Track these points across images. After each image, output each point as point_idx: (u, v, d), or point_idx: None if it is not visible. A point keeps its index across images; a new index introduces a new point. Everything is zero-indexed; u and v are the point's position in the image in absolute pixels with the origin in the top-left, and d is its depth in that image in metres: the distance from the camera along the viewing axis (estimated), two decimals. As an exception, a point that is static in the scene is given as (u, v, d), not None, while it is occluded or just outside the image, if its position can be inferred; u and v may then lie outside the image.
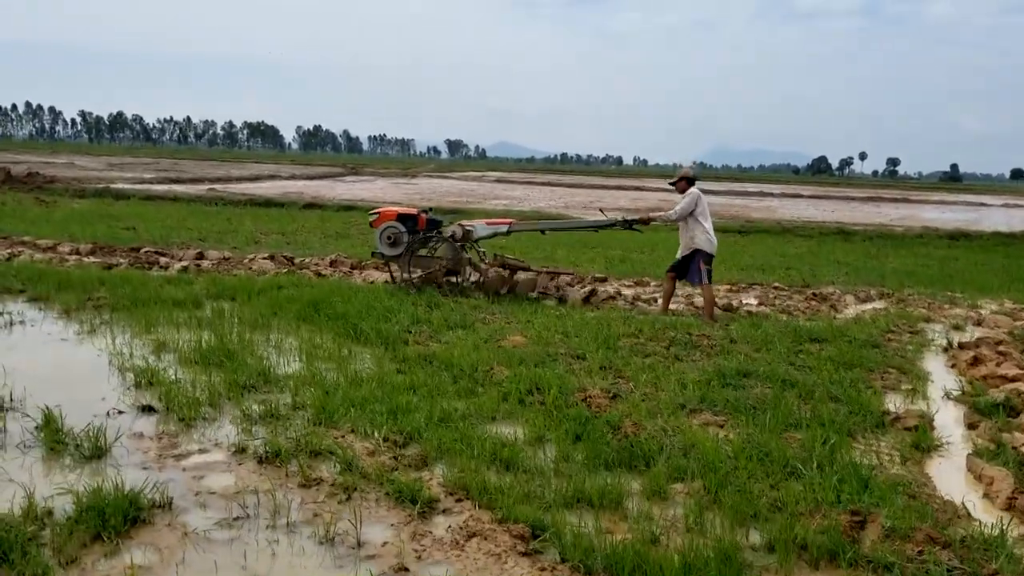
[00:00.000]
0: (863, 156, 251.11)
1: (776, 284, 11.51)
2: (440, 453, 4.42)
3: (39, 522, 3.50)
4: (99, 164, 50.71)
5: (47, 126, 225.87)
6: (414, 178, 55.94)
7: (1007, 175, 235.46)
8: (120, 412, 5.01)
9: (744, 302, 9.96)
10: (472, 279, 9.51)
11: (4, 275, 9.19)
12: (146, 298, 8.29)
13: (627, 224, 9.51)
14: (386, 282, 9.89)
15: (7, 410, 4.94)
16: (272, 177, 42.91)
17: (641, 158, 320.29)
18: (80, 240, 12.61)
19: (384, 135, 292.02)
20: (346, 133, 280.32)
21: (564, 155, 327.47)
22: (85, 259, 11.03)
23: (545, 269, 10.08)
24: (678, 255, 8.95)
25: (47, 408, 4.65)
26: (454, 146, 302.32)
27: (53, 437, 4.42)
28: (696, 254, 8.75)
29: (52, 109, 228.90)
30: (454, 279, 9.59)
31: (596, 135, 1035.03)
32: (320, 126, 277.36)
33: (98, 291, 8.61)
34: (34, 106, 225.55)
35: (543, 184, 52.16)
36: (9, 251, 11.23)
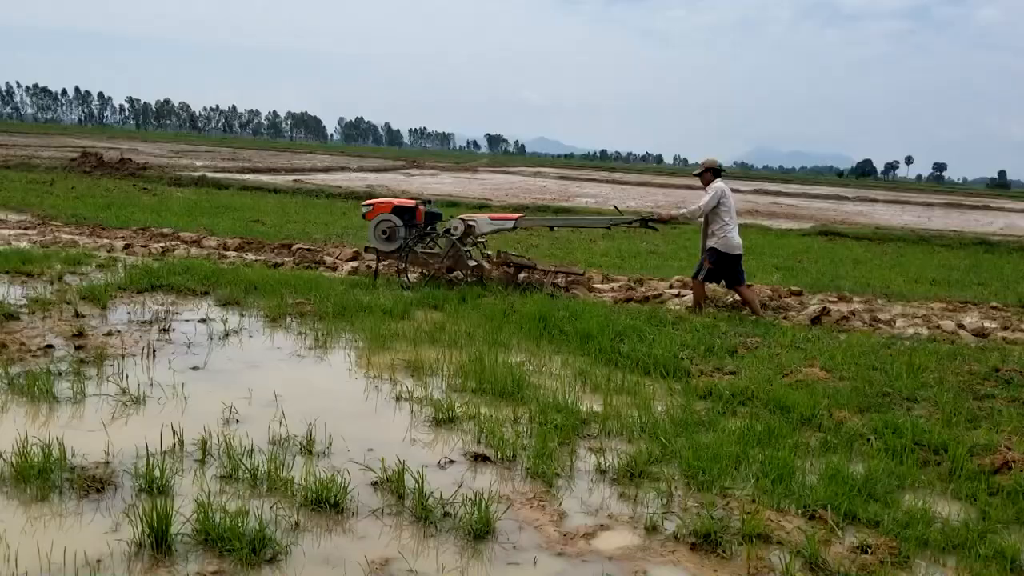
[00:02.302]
0: (909, 160, 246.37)
1: (993, 304, 10.36)
2: (910, 544, 3.42)
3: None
4: (161, 150, 50.33)
5: (95, 111, 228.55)
6: (476, 172, 55.00)
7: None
8: (451, 461, 4.10)
9: (986, 326, 8.84)
10: (474, 278, 8.80)
11: (174, 272, 8.37)
12: (349, 304, 7.43)
13: (644, 222, 8.95)
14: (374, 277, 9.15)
15: (320, 455, 4.03)
16: (343, 169, 42.25)
17: (682, 157, 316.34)
18: (220, 233, 11.82)
19: (425, 128, 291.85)
20: (387, 125, 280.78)
21: (604, 152, 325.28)
22: (245, 256, 10.24)
23: (553, 268, 9.33)
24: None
25: (402, 464, 3.72)
26: (494, 140, 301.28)
27: (419, 501, 3.50)
28: (709, 251, 8.28)
29: (101, 95, 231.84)
30: (454, 276, 8.91)
31: (633, 133, 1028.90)
32: (362, 118, 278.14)
33: (289, 295, 7.75)
34: (83, 91, 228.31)
35: (616, 182, 50.92)
36: (161, 245, 10.44)
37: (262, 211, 16.23)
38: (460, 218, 8.98)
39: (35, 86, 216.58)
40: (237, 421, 4.45)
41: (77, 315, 6.60)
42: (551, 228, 10.60)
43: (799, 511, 3.70)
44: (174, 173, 23.60)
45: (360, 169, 44.22)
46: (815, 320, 8.46)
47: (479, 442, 4.35)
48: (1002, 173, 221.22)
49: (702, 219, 8.50)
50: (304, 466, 3.80)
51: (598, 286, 9.17)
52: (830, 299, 9.98)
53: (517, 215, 9.42)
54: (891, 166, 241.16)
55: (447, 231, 8.83)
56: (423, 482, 3.58)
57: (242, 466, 3.73)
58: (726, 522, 3.51)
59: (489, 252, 9.36)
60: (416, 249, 8.90)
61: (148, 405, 4.64)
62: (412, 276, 8.90)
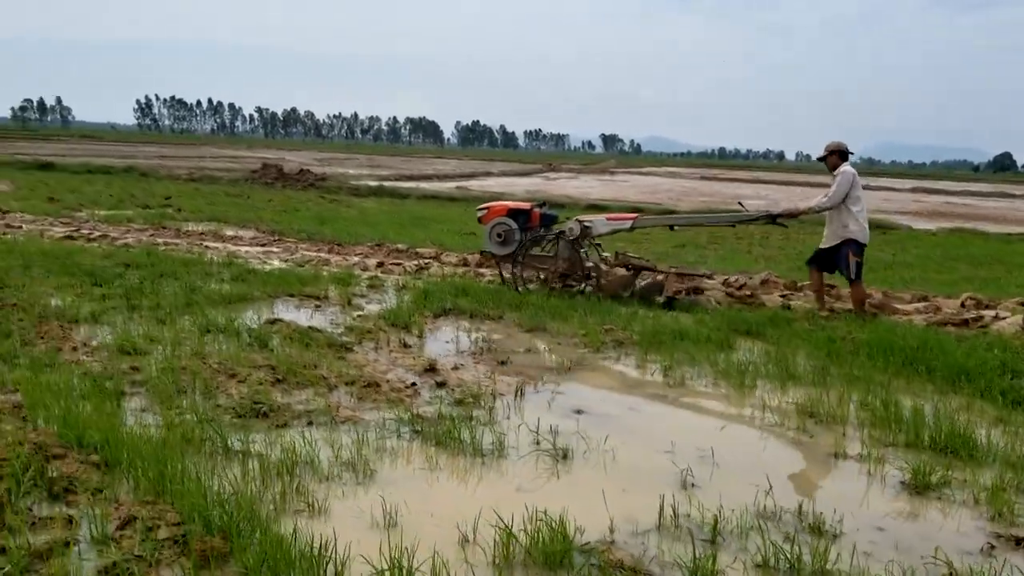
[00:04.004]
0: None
1: None
2: None
3: None
4: (304, 159, 51.54)
5: (227, 122, 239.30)
6: (614, 174, 54.27)
7: None
8: (992, 546, 3.42)
9: None
10: (591, 280, 8.55)
11: (452, 294, 8.04)
12: (661, 330, 6.87)
13: (771, 218, 8.33)
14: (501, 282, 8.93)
15: (831, 535, 3.43)
16: (487, 174, 42.36)
17: (804, 153, 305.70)
18: (452, 248, 11.56)
19: (540, 130, 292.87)
20: (503, 128, 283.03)
21: (722, 149, 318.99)
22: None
23: (673, 270, 8.75)
24: (822, 244, 8.06)
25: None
26: (609, 140, 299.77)
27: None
28: (845, 244, 7.74)
29: (232, 105, 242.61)
30: (571, 281, 8.66)
31: (751, 129, 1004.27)
32: (478, 121, 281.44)
33: (587, 319, 7.27)
34: (215, 103, 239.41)
35: (759, 182, 49.17)
36: (415, 263, 10.22)
37: (458, 221, 16.03)
38: (576, 219, 8.63)
39: (172, 98, 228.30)
40: (693, 485, 3.91)
41: (404, 345, 6.28)
42: (671, 227, 10.03)
43: None
44: (348, 183, 23.86)
45: (503, 174, 44.23)
46: None
47: (996, 519, 3.66)
48: None
49: (832, 208, 7.84)
50: (829, 551, 3.22)
51: (901, 307, 8.31)
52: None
53: (634, 215, 9.00)
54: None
55: (562, 233, 8.54)
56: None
57: (780, 553, 3.17)
58: None
59: (607, 254, 8.99)
60: (532, 252, 8.73)
61: (576, 460, 4.16)
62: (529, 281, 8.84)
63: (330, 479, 3.78)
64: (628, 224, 8.65)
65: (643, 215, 9.58)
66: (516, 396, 5.18)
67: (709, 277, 9.18)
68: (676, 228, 10.63)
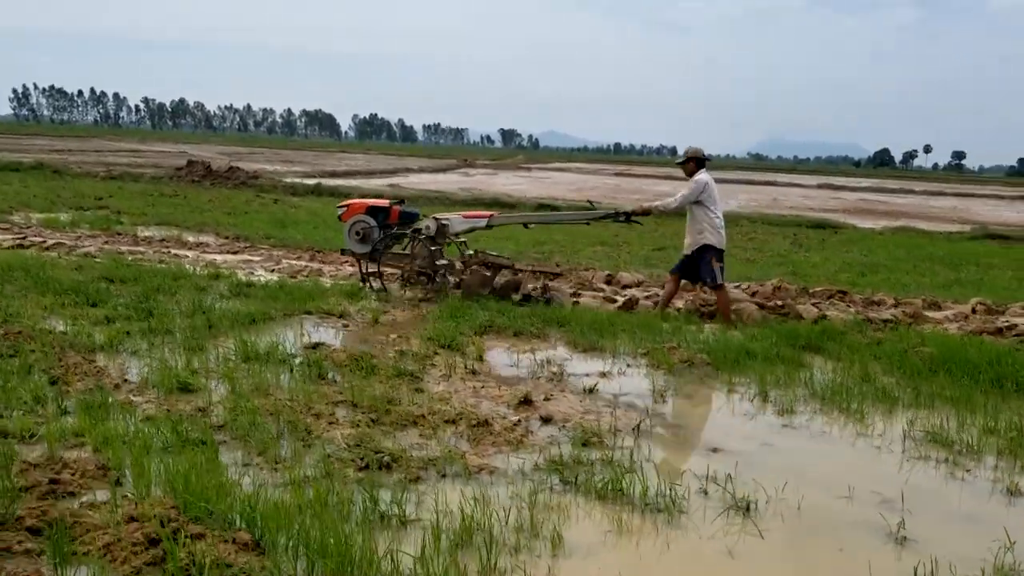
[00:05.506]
0: (928, 149, 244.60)
1: None
2: None
3: None
4: (206, 152, 49.25)
5: (111, 112, 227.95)
6: (529, 171, 54.14)
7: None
8: None
9: None
10: (450, 278, 8.59)
11: (479, 307, 7.51)
12: (721, 348, 6.55)
13: (624, 216, 8.44)
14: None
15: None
16: (407, 170, 41.48)
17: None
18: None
19: (439, 124, 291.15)
20: (401, 122, 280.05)
21: (617, 145, 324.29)
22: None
23: (530, 268, 9.08)
24: (684, 252, 8.09)
25: None
26: (507, 136, 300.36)
27: None
28: (705, 251, 7.85)
29: (116, 95, 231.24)
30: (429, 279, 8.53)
31: (645, 126, 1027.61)
32: (376, 115, 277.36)
33: (638, 335, 6.90)
34: (98, 92, 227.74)
35: (672, 178, 49.82)
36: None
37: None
38: (433, 217, 8.60)
39: (51, 87, 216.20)
40: (906, 539, 3.55)
41: (472, 372, 5.74)
42: (526, 225, 10.19)
43: None
44: (282, 181, 22.76)
45: (422, 170, 43.46)
46: None
47: None
48: (1021, 161, 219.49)
49: (684, 210, 8.05)
50: None
51: (929, 314, 8.25)
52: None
53: (490, 213, 9.09)
54: (909, 155, 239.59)
55: (418, 231, 8.47)
56: None
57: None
58: None
59: (471, 252, 8.84)
60: (390, 251, 8.63)
61: (761, 513, 3.74)
62: (387, 279, 8.66)
63: (519, 550, 3.25)
64: (484, 222, 8.62)
65: (498, 213, 9.57)
66: (636, 433, 4.72)
67: (559, 275, 9.23)
68: (529, 226, 10.56)
